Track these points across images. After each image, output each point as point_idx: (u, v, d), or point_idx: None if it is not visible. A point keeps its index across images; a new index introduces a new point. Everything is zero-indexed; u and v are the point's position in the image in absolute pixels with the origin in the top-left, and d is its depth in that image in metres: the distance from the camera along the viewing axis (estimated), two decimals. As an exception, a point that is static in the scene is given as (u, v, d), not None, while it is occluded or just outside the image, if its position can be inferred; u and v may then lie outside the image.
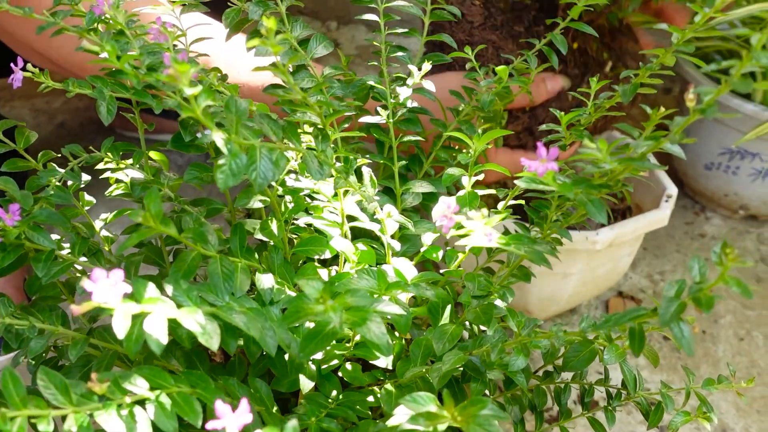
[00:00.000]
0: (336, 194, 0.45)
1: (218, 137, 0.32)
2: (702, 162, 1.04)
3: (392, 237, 0.52)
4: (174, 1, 0.50)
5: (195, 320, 0.31)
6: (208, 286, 0.36)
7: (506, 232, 0.49)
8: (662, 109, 0.38)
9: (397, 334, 0.47)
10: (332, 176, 0.40)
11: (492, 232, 0.32)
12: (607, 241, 0.69)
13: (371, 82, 0.51)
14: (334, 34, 1.51)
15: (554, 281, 0.74)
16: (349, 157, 0.41)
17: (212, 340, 0.31)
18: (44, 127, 1.22)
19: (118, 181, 0.52)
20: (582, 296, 0.82)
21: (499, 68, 0.50)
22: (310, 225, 0.48)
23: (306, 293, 0.31)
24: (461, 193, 0.45)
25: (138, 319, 0.31)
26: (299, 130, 0.42)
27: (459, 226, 0.33)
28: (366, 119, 0.50)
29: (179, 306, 0.32)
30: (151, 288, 0.31)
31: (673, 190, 0.80)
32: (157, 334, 0.29)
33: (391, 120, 0.51)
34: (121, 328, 0.28)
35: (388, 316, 0.35)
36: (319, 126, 0.39)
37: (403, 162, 0.52)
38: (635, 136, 0.40)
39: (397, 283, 0.39)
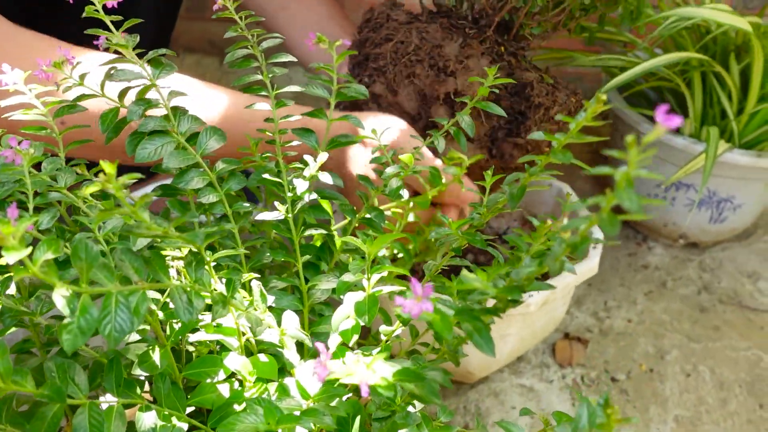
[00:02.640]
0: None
1: (59, 297, 0.29)
2: (639, 193, 1.04)
3: (303, 333, 0.49)
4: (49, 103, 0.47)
5: None
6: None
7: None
8: (568, 198, 0.36)
9: None
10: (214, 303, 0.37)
11: (370, 377, 0.30)
12: (540, 302, 0.67)
13: (266, 176, 0.48)
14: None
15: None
16: (231, 279, 0.38)
17: None
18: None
19: None
20: (523, 350, 0.81)
21: (403, 157, 0.47)
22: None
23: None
24: (360, 297, 0.42)
25: None
26: (175, 253, 0.39)
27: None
28: (263, 216, 0.48)
29: (23, 492, 0.28)
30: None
31: (599, 234, 0.78)
32: None
33: (290, 214, 0.48)
34: None
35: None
36: (194, 250, 0.36)
37: (307, 257, 0.49)
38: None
39: (287, 416, 0.36)
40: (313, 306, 0.51)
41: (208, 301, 0.36)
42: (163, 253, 0.37)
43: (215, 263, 0.40)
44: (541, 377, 0.89)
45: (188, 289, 0.34)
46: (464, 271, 0.29)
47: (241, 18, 0.52)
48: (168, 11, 0.93)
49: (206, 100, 0.60)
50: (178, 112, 0.48)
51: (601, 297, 1.01)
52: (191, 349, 0.46)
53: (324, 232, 0.48)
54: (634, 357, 0.92)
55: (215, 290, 0.36)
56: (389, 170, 0.49)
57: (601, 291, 1.02)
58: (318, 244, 0.52)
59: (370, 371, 0.30)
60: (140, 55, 0.47)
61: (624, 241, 1.11)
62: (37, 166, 0.45)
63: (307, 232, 0.48)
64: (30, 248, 0.29)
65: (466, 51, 0.61)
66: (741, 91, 0.89)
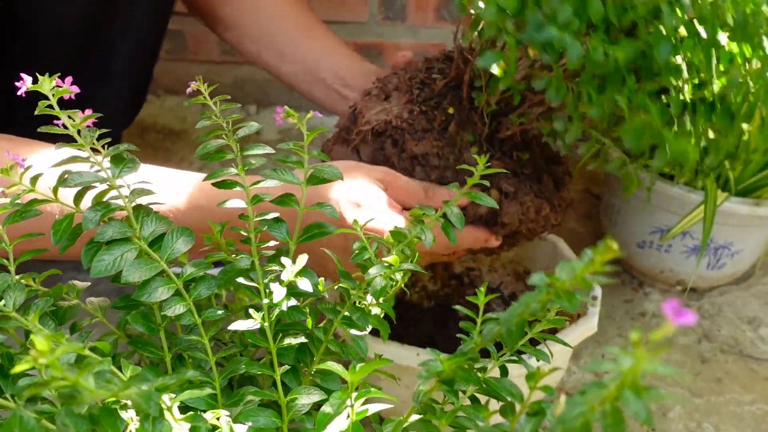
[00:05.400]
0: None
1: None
2: (634, 240, 1.01)
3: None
4: None
5: None
6: None
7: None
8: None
9: None
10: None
11: None
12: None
13: (241, 280, 0.44)
14: (254, 118, 1.44)
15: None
16: (197, 426, 0.33)
17: None
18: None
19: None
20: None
21: (390, 259, 0.44)
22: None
23: None
24: (344, 425, 0.38)
25: None
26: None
27: None
28: (237, 326, 0.43)
29: None
30: None
31: (597, 290, 0.75)
32: None
33: (266, 323, 0.44)
34: None
35: None
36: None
37: (286, 367, 0.45)
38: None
39: None
40: (294, 418, 0.47)
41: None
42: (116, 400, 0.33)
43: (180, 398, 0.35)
44: (540, 441, 0.85)
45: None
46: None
47: (215, 103, 0.48)
48: (146, 59, 0.89)
49: (174, 194, 0.56)
50: (141, 212, 0.44)
51: (599, 349, 0.97)
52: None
53: (304, 341, 0.44)
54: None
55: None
56: (372, 271, 0.45)
57: (599, 343, 0.98)
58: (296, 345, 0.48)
59: None
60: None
61: (620, 287, 1.07)
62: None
63: (286, 341, 0.44)
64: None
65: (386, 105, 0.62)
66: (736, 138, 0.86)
